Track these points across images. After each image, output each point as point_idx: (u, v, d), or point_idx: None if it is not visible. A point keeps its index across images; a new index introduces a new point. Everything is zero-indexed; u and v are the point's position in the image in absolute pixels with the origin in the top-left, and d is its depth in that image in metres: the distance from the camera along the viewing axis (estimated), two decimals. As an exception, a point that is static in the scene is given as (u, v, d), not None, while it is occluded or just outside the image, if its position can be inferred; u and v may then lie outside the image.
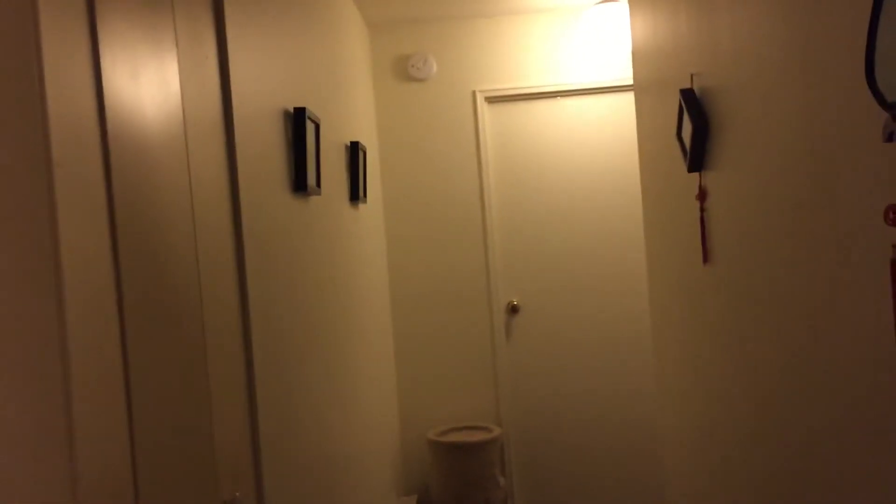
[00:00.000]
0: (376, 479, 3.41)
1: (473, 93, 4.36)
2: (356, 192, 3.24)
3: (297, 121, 2.21)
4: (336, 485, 2.51)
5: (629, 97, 4.20)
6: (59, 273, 0.93)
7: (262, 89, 1.96)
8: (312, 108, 2.48)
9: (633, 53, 3.01)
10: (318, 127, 2.37)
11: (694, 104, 2.03)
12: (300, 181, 2.21)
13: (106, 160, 1.08)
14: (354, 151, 3.24)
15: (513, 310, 4.44)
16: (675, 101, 2.26)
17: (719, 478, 2.12)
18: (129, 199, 1.13)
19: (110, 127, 1.09)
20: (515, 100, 4.39)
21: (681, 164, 2.24)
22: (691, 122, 2.02)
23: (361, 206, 3.52)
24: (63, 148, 0.96)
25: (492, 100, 4.39)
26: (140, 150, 1.19)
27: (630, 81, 3.97)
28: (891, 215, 1.02)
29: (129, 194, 1.14)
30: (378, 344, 3.79)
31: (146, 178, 1.21)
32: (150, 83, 1.26)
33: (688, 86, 2.11)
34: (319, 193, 2.43)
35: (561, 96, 4.37)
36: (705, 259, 2.07)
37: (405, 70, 4.36)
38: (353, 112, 3.47)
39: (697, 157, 2.04)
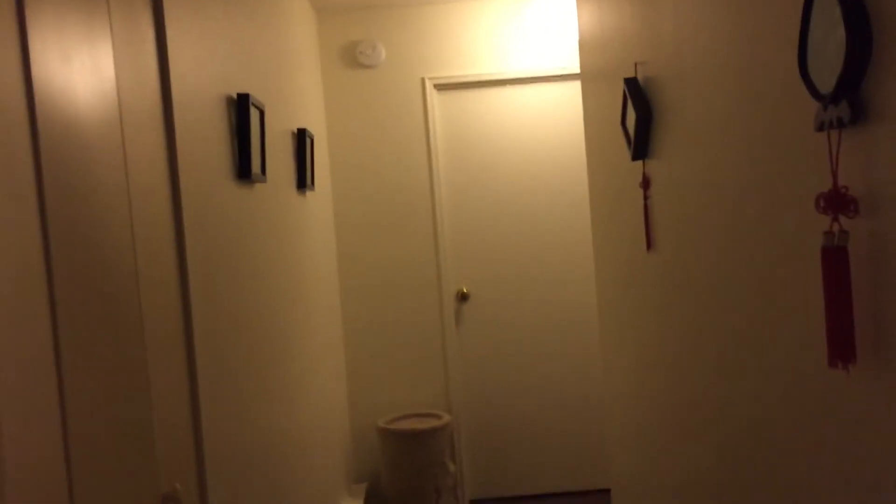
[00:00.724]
0: (326, 468, 3.40)
1: (423, 80, 4.35)
2: (303, 180, 3.21)
3: (241, 107, 2.17)
4: (283, 474, 2.50)
5: (577, 86, 4.24)
6: (-17, 263, 0.90)
7: (204, 74, 1.92)
8: (257, 94, 2.44)
9: (580, 42, 3.03)
10: (262, 113, 2.34)
11: (638, 93, 2.06)
12: (244, 168, 2.17)
13: (35, 144, 1.05)
14: (301, 138, 3.20)
15: (462, 297, 4.45)
16: (619, 89, 2.28)
17: (663, 459, 2.16)
18: (60, 185, 1.10)
19: (39, 111, 1.06)
20: (464, 87, 4.39)
21: (625, 153, 2.27)
22: (635, 111, 2.04)
23: (309, 193, 3.49)
24: (-13, 133, 0.93)
25: (441, 87, 4.38)
26: (72, 136, 1.16)
27: (577, 70, 4.00)
28: (821, 203, 1.04)
29: (61, 180, 1.10)
30: (327, 333, 3.77)
31: (79, 165, 1.18)
32: (82, 67, 1.22)
33: (632, 75, 2.13)
34: (265, 181, 2.40)
35: (510, 84, 4.38)
36: (649, 246, 2.10)
37: (354, 56, 4.32)
38: (299, 99, 3.43)
39: (641, 146, 2.06)
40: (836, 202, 1.01)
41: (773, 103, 1.26)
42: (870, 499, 1.02)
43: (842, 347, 1.01)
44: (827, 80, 1.03)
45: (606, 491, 4.22)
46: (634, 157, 2.10)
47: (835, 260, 1.01)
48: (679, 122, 1.79)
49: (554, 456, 4.49)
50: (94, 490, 1.14)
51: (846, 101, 0.99)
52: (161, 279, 1.54)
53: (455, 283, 4.45)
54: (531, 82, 4.38)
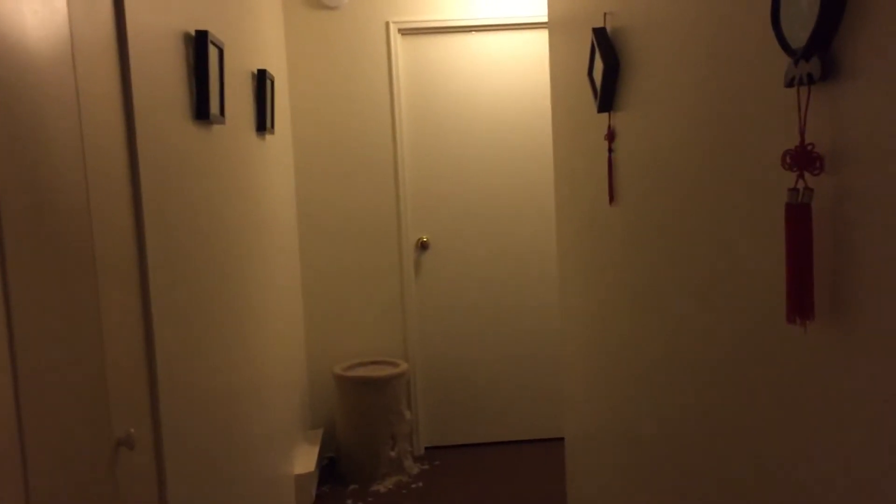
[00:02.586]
0: (282, 413, 3.40)
1: (387, 24, 4.26)
2: (263, 123, 3.14)
3: (199, 45, 2.10)
4: (239, 418, 2.49)
5: (544, 35, 4.19)
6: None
7: (160, 9, 1.85)
8: (216, 33, 2.37)
9: (549, -10, 2.98)
10: (221, 52, 2.27)
11: (606, 44, 2.03)
12: (202, 109, 2.11)
13: (-19, 78, 1.00)
14: (262, 80, 3.13)
15: (422, 246, 4.43)
16: (587, 39, 2.25)
17: (618, 410, 2.20)
18: (7, 123, 1.05)
19: (-15, 42, 1.01)
20: (429, 33, 4.31)
21: (591, 105, 2.25)
22: (602, 62, 2.02)
23: (269, 137, 3.42)
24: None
25: (405, 32, 4.30)
26: (20, 71, 1.11)
27: (545, 19, 3.96)
28: (787, 160, 1.04)
29: (8, 117, 1.06)
30: (285, 278, 3.74)
31: (28, 102, 1.13)
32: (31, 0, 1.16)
33: (601, 24, 2.10)
34: (223, 122, 2.34)
35: (476, 31, 4.31)
36: (611, 199, 2.10)
37: (316, -3, 4.21)
38: (260, 39, 3.34)
39: (607, 98, 2.05)
40: (803, 159, 1.01)
41: (743, 57, 1.25)
42: (825, 449, 1.05)
43: (800, 304, 1.02)
44: (799, 35, 1.02)
45: (560, 440, 4.30)
46: (600, 109, 2.09)
47: (798, 217, 1.02)
48: (647, 75, 1.78)
49: (509, 405, 4.55)
50: (45, 435, 1.12)
51: (817, 57, 0.98)
52: (115, 219, 1.50)
53: (415, 231, 4.43)
54: (498, 30, 4.32)
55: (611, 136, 2.07)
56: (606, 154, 2.11)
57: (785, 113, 1.09)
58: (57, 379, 1.18)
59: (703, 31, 1.41)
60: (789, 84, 1.04)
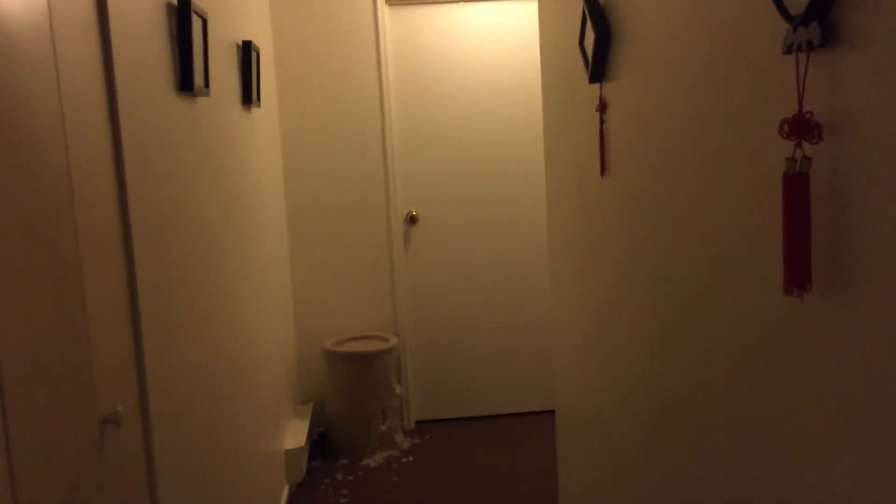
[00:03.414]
0: (272, 388, 3.38)
1: (374, -6, 4.20)
2: (248, 95, 3.09)
3: (182, 14, 2.06)
4: (228, 394, 2.47)
5: (533, 6, 4.14)
6: None
7: (142, -22, 1.80)
8: (199, 2, 2.32)
9: (538, -41, 2.94)
10: (205, 23, 2.22)
11: (597, 12, 2.00)
12: (186, 81, 2.07)
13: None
14: (247, 52, 3.07)
15: (411, 220, 4.41)
16: (578, 8, 2.21)
17: (609, 382, 2.19)
18: (-17, 93, 1.02)
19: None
20: (417, 3, 4.25)
21: (582, 75, 2.22)
22: (594, 31, 1.99)
23: (255, 109, 3.38)
24: None
25: (393, 3, 4.23)
26: (-5, 38, 1.07)
27: (534, -11, 3.90)
28: (785, 128, 1.02)
29: (-16, 87, 1.02)
30: (273, 253, 3.71)
31: (4, 75, 1.09)
32: (5, -38, 1.12)
33: (592, -7, 2.07)
34: (208, 95, 2.30)
35: (464, 2, 4.26)
36: (603, 171, 2.07)
37: (302, -33, 4.14)
38: (245, 10, 3.28)
39: (599, 68, 2.02)
40: (801, 128, 0.99)
41: (739, 24, 1.22)
42: (822, 424, 1.04)
43: (798, 275, 1.01)
44: (798, 0, 0.99)
45: (550, 412, 4.31)
46: (592, 80, 2.06)
47: (796, 187, 1.00)
48: (640, 43, 1.75)
49: (500, 378, 4.56)
50: (30, 412, 1.10)
51: (817, 22, 0.96)
52: (98, 194, 1.47)
53: (404, 205, 4.40)
54: (487, 0, 4.26)
55: (602, 106, 2.05)
56: (598, 125, 2.08)
57: (783, 80, 1.07)
58: (40, 357, 1.15)
59: (697, -2, 1.38)
60: (787, 51, 1.02)
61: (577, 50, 2.25)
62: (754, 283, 1.20)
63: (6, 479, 1.02)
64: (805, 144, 1.00)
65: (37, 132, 1.19)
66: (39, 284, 1.17)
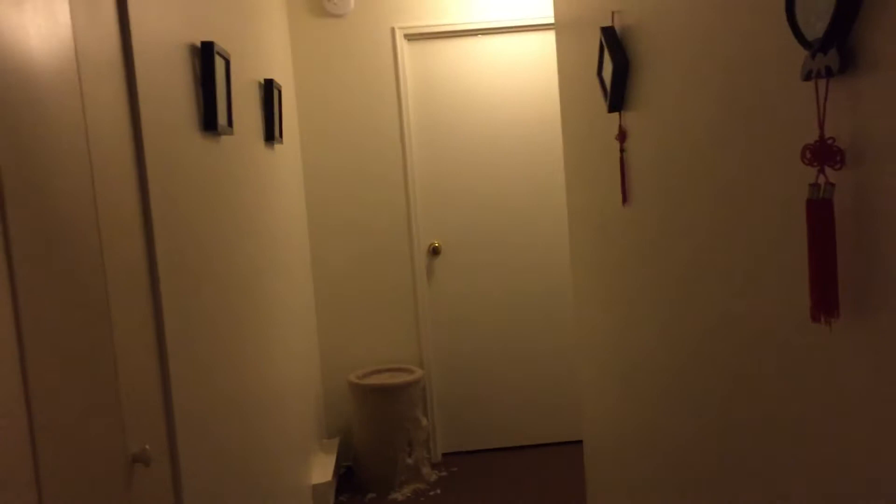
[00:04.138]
0: (298, 422, 3.38)
1: (392, 30, 4.25)
2: (271, 132, 3.13)
3: (205, 56, 2.09)
4: (255, 429, 2.47)
5: (550, 36, 4.17)
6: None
7: (166, 21, 1.84)
8: (222, 43, 2.36)
9: (554, -10, 2.96)
10: (228, 63, 2.26)
11: (614, 43, 2.01)
12: (210, 120, 2.10)
13: (-14, 96, 0.99)
14: (269, 90, 3.12)
15: (434, 251, 4.42)
16: (596, 39, 2.23)
17: (636, 411, 2.17)
18: (12, 140, 1.04)
19: (-11, 59, 0.99)
20: (435, 37, 4.30)
21: (601, 105, 2.23)
22: (612, 61, 2.00)
23: (277, 146, 3.42)
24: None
25: (411, 37, 4.29)
26: (25, 87, 1.10)
27: (552, 20, 3.93)
28: (807, 155, 1.01)
29: (13, 134, 1.04)
30: (297, 288, 3.73)
31: (33, 118, 1.11)
32: (35, 13, 1.15)
33: (609, 24, 2.08)
34: (232, 133, 2.33)
35: (482, 34, 4.30)
36: (624, 200, 2.07)
37: (321, 5, 4.20)
38: (266, 48, 3.33)
39: (618, 97, 2.03)
40: (823, 154, 0.99)
41: (757, 52, 1.22)
42: (849, 450, 1.02)
43: (824, 301, 1.00)
44: (815, 26, 0.99)
45: (578, 443, 4.27)
46: (611, 109, 2.07)
47: (820, 212, 0.99)
48: (658, 72, 1.75)
49: (526, 409, 4.52)
50: (60, 452, 1.11)
51: (835, 49, 0.96)
52: (125, 234, 1.49)
53: (427, 237, 4.42)
54: (504, 32, 4.30)
55: (622, 135, 2.05)
56: (618, 154, 2.09)
57: (803, 107, 1.07)
58: (69, 396, 1.16)
59: (714, 26, 1.39)
60: (806, 77, 1.02)
61: (595, 80, 2.27)
62: (780, 310, 1.19)
63: (37, 519, 1.03)
64: (828, 170, 0.99)
65: (65, 173, 1.21)
66: (68, 323, 1.18)
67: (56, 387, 1.11)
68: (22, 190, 1.06)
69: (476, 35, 4.30)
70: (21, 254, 1.03)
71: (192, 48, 2.05)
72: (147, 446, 1.43)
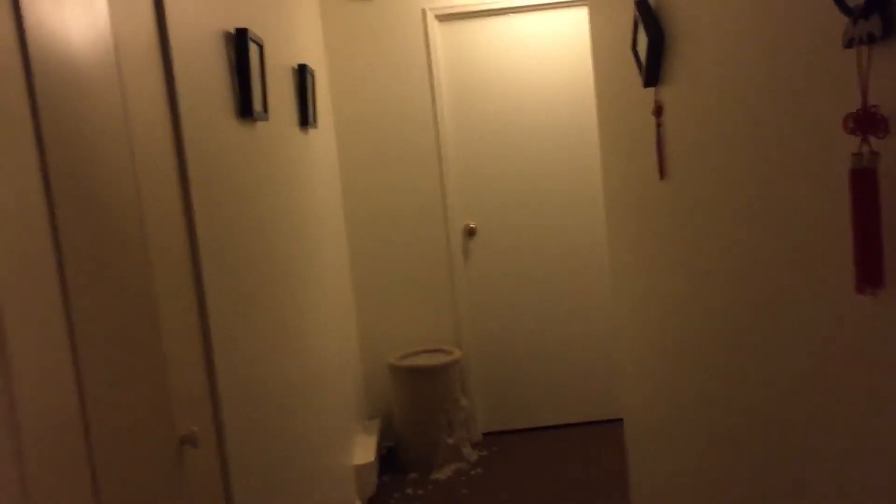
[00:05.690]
0: (339, 404, 3.42)
1: (423, 10, 4.24)
2: (306, 117, 3.15)
3: (240, 42, 2.11)
4: (298, 411, 2.51)
5: (582, 13, 4.13)
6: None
7: (200, 9, 1.86)
8: (255, 29, 2.38)
9: (586, -35, 2.93)
10: (261, 49, 2.27)
11: (649, 16, 1.98)
12: (246, 106, 2.12)
13: (31, 90, 1.01)
14: (302, 74, 3.14)
15: (470, 232, 4.42)
16: (629, 14, 2.20)
17: (676, 388, 2.16)
18: (58, 131, 1.06)
19: (33, 55, 1.01)
20: (467, 17, 4.28)
21: (636, 79, 2.20)
22: (647, 35, 1.97)
23: (312, 130, 3.44)
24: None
25: (442, 18, 4.27)
26: (68, 79, 1.12)
27: (583, -5, 3.89)
28: (850, 124, 1.00)
29: (59, 125, 1.07)
30: (335, 271, 3.76)
31: (77, 108, 1.14)
32: (74, 7, 1.17)
33: (642, -3, 2.05)
34: (267, 119, 2.35)
35: (513, 13, 4.27)
36: (662, 174, 2.05)
37: (352, -12, 4.20)
38: (298, 34, 3.34)
39: (653, 71, 2.00)
40: (866, 122, 0.97)
41: (796, 20, 1.20)
42: (894, 424, 1.01)
43: (870, 272, 0.98)
44: (857, -8, 0.97)
45: (619, 420, 4.26)
46: (646, 84, 2.04)
47: (864, 182, 0.98)
48: (694, 45, 1.73)
49: (565, 387, 4.52)
50: (112, 435, 1.14)
51: (878, 14, 0.94)
52: (166, 221, 1.52)
53: (462, 218, 4.42)
54: (535, 10, 4.26)
55: (658, 110, 2.03)
56: (655, 129, 2.07)
57: (844, 75, 1.05)
58: (120, 380, 1.19)
59: (751, -4, 1.37)
60: (848, 45, 1.00)
61: (629, 55, 2.24)
62: (826, 283, 1.18)
63: (91, 500, 1.06)
64: (871, 139, 0.97)
65: (107, 162, 1.24)
66: (116, 308, 1.21)
67: (106, 371, 1.14)
68: (66, 177, 1.08)
69: (507, 14, 4.27)
70: (68, 239, 1.05)
71: (227, 35, 2.07)
72: (195, 428, 1.46)
